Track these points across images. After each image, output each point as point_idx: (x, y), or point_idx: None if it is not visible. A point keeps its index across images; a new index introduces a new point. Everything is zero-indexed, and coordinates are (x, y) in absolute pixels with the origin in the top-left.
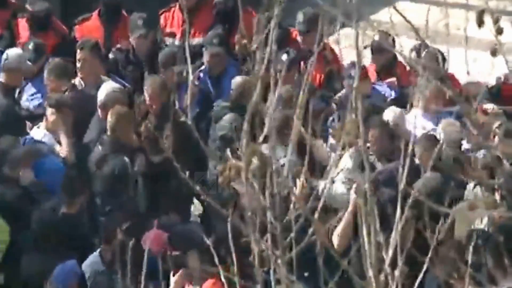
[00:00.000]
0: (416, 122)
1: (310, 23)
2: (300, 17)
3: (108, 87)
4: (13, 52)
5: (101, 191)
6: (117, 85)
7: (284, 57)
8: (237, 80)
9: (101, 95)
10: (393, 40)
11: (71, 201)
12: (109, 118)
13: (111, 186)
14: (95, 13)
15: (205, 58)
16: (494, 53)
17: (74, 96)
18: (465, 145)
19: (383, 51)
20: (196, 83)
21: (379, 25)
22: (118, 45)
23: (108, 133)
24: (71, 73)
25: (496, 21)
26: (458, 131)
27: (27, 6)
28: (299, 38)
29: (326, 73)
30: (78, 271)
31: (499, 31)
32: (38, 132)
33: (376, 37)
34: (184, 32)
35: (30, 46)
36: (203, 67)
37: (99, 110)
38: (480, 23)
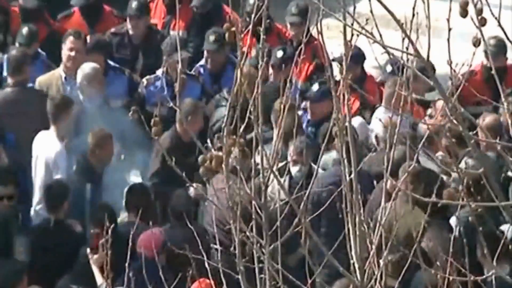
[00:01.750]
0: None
1: (303, 15)
2: (292, 8)
3: (86, 66)
4: None
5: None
6: (92, 65)
7: (280, 53)
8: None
9: (79, 75)
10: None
11: (58, 207)
12: (89, 139)
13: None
14: (76, 9)
15: (205, 55)
16: (476, 43)
17: (20, 91)
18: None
19: (351, 66)
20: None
21: (359, 17)
22: (113, 29)
23: (89, 154)
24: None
25: (479, 13)
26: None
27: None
28: (290, 30)
29: (314, 66)
30: None
31: (482, 23)
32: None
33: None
34: (165, 24)
35: (24, 31)
36: (202, 62)
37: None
38: (465, 14)
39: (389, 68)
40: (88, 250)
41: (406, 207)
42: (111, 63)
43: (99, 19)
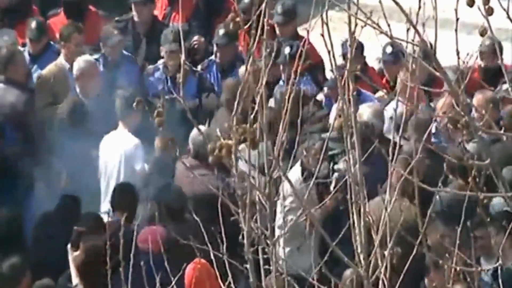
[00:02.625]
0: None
1: (288, 15)
2: (278, 8)
3: (81, 60)
4: None
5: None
6: (87, 58)
7: (287, 50)
8: (228, 82)
9: (75, 68)
10: (362, 46)
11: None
12: (157, 142)
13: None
14: (62, 9)
15: (215, 49)
16: (483, 33)
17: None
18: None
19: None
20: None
21: (363, 7)
22: (117, 18)
23: (156, 155)
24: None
25: (486, 2)
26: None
27: None
28: (277, 29)
29: (306, 66)
30: None
31: (489, 12)
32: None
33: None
34: (166, 16)
35: (33, 25)
36: (212, 57)
37: (75, 82)
38: (471, 3)
39: (389, 49)
40: (69, 246)
41: (401, 202)
42: (124, 52)
43: (82, 18)
